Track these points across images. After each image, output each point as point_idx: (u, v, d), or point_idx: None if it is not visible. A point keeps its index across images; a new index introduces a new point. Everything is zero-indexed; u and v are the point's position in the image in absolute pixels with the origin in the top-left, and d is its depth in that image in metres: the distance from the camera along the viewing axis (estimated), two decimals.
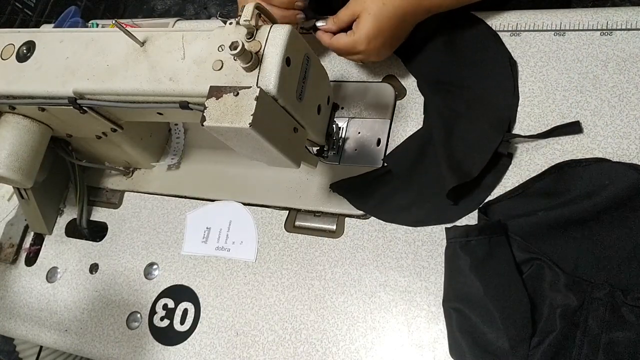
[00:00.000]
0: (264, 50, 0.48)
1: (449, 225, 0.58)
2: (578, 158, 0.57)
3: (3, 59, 0.60)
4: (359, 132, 0.68)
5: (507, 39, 0.65)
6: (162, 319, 0.67)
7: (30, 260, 0.77)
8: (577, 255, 0.54)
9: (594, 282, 0.52)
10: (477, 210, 0.59)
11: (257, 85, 0.47)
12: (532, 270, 0.54)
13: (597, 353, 0.49)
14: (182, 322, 0.66)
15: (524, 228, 0.56)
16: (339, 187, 0.65)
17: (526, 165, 0.60)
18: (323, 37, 0.64)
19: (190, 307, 0.66)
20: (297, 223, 0.67)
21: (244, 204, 0.70)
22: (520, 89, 0.62)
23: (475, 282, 0.53)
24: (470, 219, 0.59)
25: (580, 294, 0.52)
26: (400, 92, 0.68)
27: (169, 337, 0.66)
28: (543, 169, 0.58)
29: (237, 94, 0.47)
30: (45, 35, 0.60)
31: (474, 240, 0.55)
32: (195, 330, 0.65)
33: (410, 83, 0.68)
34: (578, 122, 0.58)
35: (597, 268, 0.53)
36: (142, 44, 0.55)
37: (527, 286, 0.53)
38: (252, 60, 0.47)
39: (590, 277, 0.53)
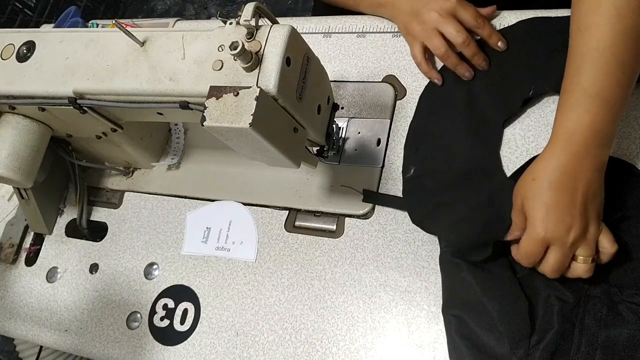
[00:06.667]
0: (264, 50, 0.48)
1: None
2: None
3: (3, 59, 0.60)
4: (359, 132, 0.68)
5: None
6: (162, 319, 0.67)
7: (30, 260, 0.77)
8: None
9: (590, 280, 0.52)
10: None
11: (257, 85, 0.47)
12: (528, 269, 0.54)
13: (595, 350, 0.49)
14: (182, 322, 0.66)
15: None
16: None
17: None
18: (513, 254, 0.53)
19: (190, 307, 0.66)
20: (297, 223, 0.67)
21: (244, 204, 0.70)
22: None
23: (472, 284, 0.54)
24: None
25: (576, 292, 0.52)
26: (400, 92, 0.68)
27: (169, 337, 0.66)
28: None
29: (237, 94, 0.47)
30: (45, 35, 0.60)
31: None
32: (195, 330, 0.65)
33: (410, 83, 0.68)
34: None
35: None
36: (142, 44, 0.55)
37: (522, 285, 0.53)
38: (252, 60, 0.47)
39: None
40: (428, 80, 0.67)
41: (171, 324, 0.66)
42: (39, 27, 0.88)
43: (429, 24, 0.64)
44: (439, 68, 0.67)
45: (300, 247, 0.65)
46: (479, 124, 0.62)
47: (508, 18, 0.66)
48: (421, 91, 0.67)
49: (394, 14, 0.70)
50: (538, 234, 0.48)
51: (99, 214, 0.77)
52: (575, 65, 0.50)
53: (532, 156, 0.59)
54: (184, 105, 0.52)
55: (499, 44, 0.63)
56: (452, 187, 0.59)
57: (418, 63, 0.67)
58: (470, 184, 0.59)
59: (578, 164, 0.48)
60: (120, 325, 0.68)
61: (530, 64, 0.62)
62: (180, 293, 0.67)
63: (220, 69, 0.50)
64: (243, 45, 0.46)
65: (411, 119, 0.66)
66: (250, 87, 0.46)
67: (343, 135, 0.68)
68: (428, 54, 0.67)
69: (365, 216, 0.64)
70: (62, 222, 0.78)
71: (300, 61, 0.51)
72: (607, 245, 0.50)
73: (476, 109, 0.63)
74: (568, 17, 0.62)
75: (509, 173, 0.59)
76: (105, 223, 0.76)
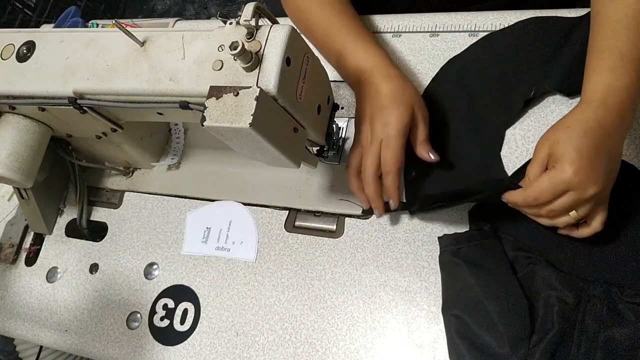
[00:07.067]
0: (264, 50, 0.48)
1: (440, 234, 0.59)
2: None
3: (3, 59, 0.60)
4: None
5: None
6: (162, 319, 0.67)
7: (30, 260, 0.77)
8: (573, 253, 0.54)
9: (590, 280, 0.52)
10: (467, 214, 0.59)
11: (257, 85, 0.47)
12: (528, 269, 0.54)
13: (595, 350, 0.49)
14: (182, 322, 0.66)
15: (517, 228, 0.56)
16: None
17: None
18: (515, 198, 0.51)
19: (190, 307, 0.66)
20: (297, 223, 0.67)
21: (244, 204, 0.70)
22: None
23: (472, 284, 0.54)
24: (462, 221, 0.59)
25: (576, 292, 0.52)
26: None
27: (169, 337, 0.66)
28: None
29: (237, 94, 0.46)
30: (45, 35, 0.60)
31: (465, 247, 0.55)
32: (195, 330, 0.65)
33: None
34: None
35: (593, 266, 0.53)
36: (142, 44, 0.55)
37: (522, 285, 0.53)
38: (252, 60, 0.47)
39: (587, 275, 0.53)
40: (428, 80, 0.67)
41: (171, 324, 0.66)
42: (39, 27, 0.88)
43: (361, 142, 0.59)
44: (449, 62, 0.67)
45: (300, 247, 0.65)
46: (480, 125, 0.62)
47: (508, 18, 0.66)
48: (421, 91, 0.67)
49: None
50: (566, 175, 0.47)
51: (99, 214, 0.77)
52: (611, 30, 0.51)
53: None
54: (184, 105, 0.52)
55: (391, 202, 0.58)
56: (454, 188, 0.59)
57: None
58: (472, 185, 0.59)
59: (612, 122, 0.49)
60: (120, 325, 0.68)
61: (531, 64, 0.62)
62: (180, 293, 0.67)
63: (220, 69, 0.50)
64: (243, 45, 0.46)
65: None
66: (250, 87, 0.46)
67: (343, 135, 0.68)
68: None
69: (365, 216, 0.64)
70: (62, 222, 0.78)
71: (300, 61, 0.51)
72: (598, 222, 0.51)
73: (477, 111, 0.63)
74: (567, 18, 0.62)
75: (509, 173, 0.59)
76: (105, 223, 0.76)
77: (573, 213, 0.50)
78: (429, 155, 0.57)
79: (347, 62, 0.61)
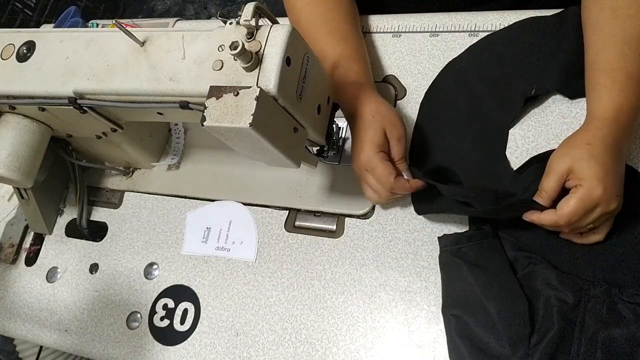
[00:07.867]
0: (264, 50, 0.48)
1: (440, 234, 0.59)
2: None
3: (3, 59, 0.60)
4: None
5: None
6: (162, 319, 0.67)
7: (30, 260, 0.77)
8: (573, 253, 0.54)
9: (590, 280, 0.52)
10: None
11: (257, 85, 0.47)
12: (528, 269, 0.54)
13: (595, 350, 0.49)
14: (182, 322, 0.66)
15: (517, 228, 0.56)
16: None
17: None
18: (544, 220, 0.52)
19: (190, 307, 0.66)
20: (297, 223, 0.67)
21: (244, 204, 0.70)
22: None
23: (472, 284, 0.54)
24: (462, 221, 0.59)
25: (576, 292, 0.52)
26: (400, 92, 0.68)
27: (169, 337, 0.66)
28: None
29: (237, 94, 0.46)
30: (45, 35, 0.60)
31: (465, 247, 0.55)
32: (195, 330, 0.65)
33: (410, 83, 0.68)
34: None
35: (593, 266, 0.53)
36: (142, 44, 0.55)
37: (522, 285, 0.53)
38: (252, 60, 0.47)
39: (587, 275, 0.53)
40: (428, 80, 0.67)
41: (171, 324, 0.66)
42: (39, 27, 0.88)
43: (356, 172, 0.59)
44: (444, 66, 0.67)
45: (300, 247, 0.65)
46: (482, 125, 0.62)
47: (508, 18, 0.66)
48: (421, 91, 0.67)
49: None
50: (597, 193, 0.48)
51: (99, 214, 0.77)
52: (619, 50, 0.52)
53: (532, 156, 0.59)
54: (184, 105, 0.52)
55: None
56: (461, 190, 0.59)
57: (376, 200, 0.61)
58: (480, 185, 0.59)
59: (622, 138, 0.51)
60: (120, 325, 0.68)
61: (530, 64, 0.62)
62: (180, 293, 0.67)
63: (220, 69, 0.50)
64: (243, 45, 0.46)
65: (414, 123, 0.66)
66: (250, 87, 0.46)
67: (343, 135, 0.68)
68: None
69: (365, 216, 0.64)
70: (62, 222, 0.78)
71: (300, 61, 0.51)
72: (605, 231, 0.53)
73: (479, 111, 0.63)
74: (565, 17, 0.62)
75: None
76: (105, 223, 0.76)
77: (590, 225, 0.51)
78: (404, 175, 0.58)
79: (336, 86, 0.62)
